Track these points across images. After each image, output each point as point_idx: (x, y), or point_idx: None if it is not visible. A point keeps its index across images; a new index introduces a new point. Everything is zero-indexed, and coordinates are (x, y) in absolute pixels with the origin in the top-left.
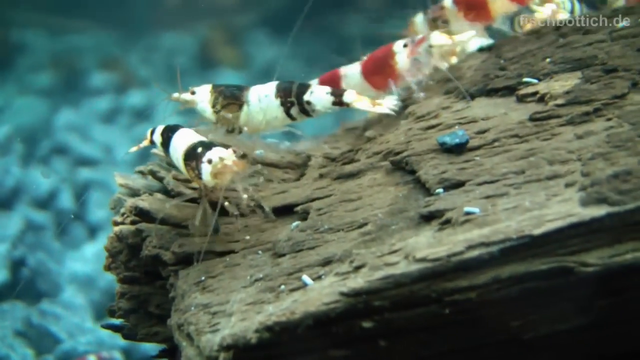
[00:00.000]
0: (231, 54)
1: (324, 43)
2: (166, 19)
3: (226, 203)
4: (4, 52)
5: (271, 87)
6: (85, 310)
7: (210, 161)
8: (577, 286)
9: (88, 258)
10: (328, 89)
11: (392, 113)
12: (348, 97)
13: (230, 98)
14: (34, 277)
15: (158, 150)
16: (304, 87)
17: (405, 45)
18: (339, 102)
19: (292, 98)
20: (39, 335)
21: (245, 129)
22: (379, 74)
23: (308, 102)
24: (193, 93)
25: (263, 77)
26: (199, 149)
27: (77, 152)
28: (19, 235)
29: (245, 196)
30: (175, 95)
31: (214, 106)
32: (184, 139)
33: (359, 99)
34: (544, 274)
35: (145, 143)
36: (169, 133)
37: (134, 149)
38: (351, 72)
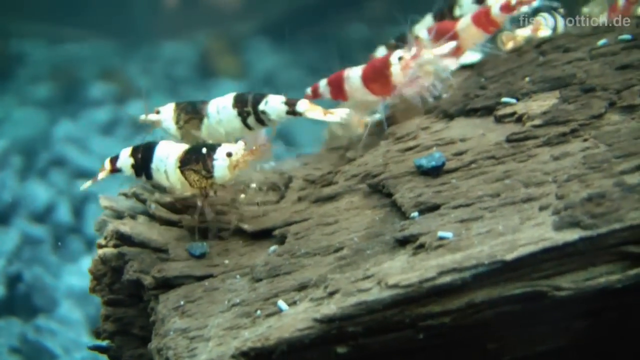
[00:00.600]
0: (231, 63)
1: (324, 51)
2: (166, 28)
3: (242, 195)
4: (3, 62)
5: (229, 98)
6: (81, 326)
7: (229, 154)
8: (553, 309)
9: (85, 272)
10: (282, 98)
11: (342, 122)
12: (301, 106)
13: (192, 113)
14: (30, 292)
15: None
16: (260, 97)
17: (400, 58)
18: (292, 111)
19: (248, 108)
20: (34, 351)
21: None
22: (376, 82)
23: (263, 112)
24: (158, 112)
25: (263, 85)
26: (203, 150)
27: (75, 164)
28: (16, 250)
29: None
30: (142, 117)
31: (177, 122)
32: (170, 149)
33: (311, 108)
34: (518, 298)
35: (104, 174)
36: (144, 152)
37: (87, 184)
38: (353, 74)
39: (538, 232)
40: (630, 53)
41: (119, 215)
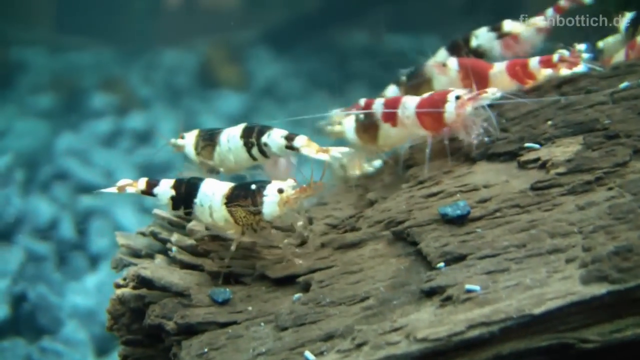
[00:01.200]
0: (232, 73)
1: (325, 60)
2: (167, 36)
3: (300, 222)
4: (4, 71)
5: (238, 128)
6: (86, 346)
7: (280, 190)
8: None
9: (89, 290)
10: (284, 132)
11: (332, 161)
12: (298, 142)
13: (207, 140)
14: (35, 312)
15: (160, 204)
16: (264, 129)
17: (457, 97)
18: (290, 146)
19: (252, 139)
20: None
21: (221, 169)
22: (430, 115)
23: (265, 144)
24: (182, 137)
25: (264, 94)
26: (252, 186)
27: (77, 177)
28: (20, 269)
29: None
30: (172, 140)
31: (196, 149)
32: (216, 186)
33: (307, 144)
34: (545, 350)
35: (134, 190)
36: (189, 186)
37: (109, 189)
38: (410, 103)
39: (565, 286)
40: None
41: (135, 253)
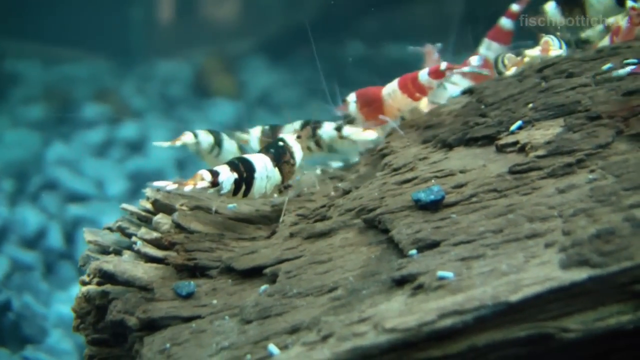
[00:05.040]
0: (226, 82)
1: (321, 69)
2: (160, 46)
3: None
4: None
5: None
6: (71, 356)
7: (298, 137)
8: (560, 351)
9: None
10: (334, 124)
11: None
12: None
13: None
14: (19, 322)
15: (225, 192)
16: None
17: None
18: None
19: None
20: None
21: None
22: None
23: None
24: (247, 133)
25: (259, 103)
26: (280, 143)
27: (67, 187)
28: (4, 279)
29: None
30: (238, 133)
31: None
32: (260, 157)
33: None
34: (523, 340)
35: (204, 185)
36: (246, 165)
37: (177, 187)
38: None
39: (544, 271)
40: (636, 78)
41: (103, 250)
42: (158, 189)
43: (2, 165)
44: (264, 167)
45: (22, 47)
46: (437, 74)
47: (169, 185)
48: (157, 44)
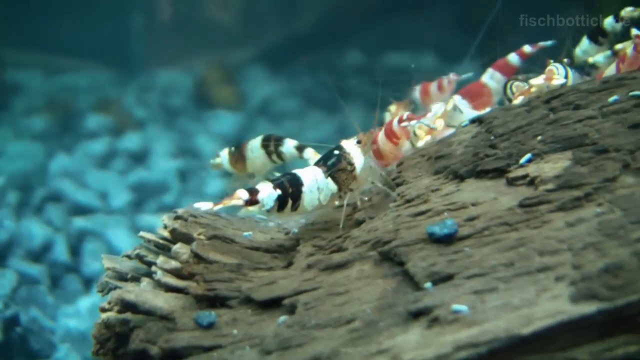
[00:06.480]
0: (227, 93)
1: (320, 79)
2: (161, 56)
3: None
4: None
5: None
6: None
7: (359, 142)
8: None
9: (82, 313)
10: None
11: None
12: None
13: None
14: (27, 336)
15: (268, 209)
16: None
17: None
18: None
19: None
20: None
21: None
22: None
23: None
24: (218, 156)
25: (259, 114)
26: (336, 152)
27: (71, 199)
28: (11, 293)
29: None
30: (211, 161)
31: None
32: (309, 170)
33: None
34: None
35: (240, 204)
36: (293, 181)
37: (217, 206)
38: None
39: (555, 305)
40: None
41: (121, 277)
42: (176, 217)
43: (7, 177)
44: (313, 179)
45: (23, 57)
46: (401, 122)
47: (207, 205)
48: (158, 53)
